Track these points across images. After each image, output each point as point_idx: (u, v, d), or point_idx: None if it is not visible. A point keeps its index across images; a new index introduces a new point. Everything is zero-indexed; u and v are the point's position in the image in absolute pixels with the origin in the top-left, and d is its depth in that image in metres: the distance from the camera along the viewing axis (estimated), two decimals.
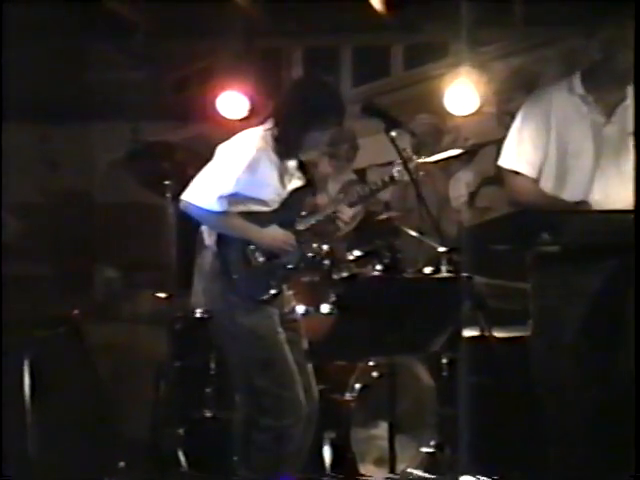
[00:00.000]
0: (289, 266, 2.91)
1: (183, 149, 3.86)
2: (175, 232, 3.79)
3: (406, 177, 2.82)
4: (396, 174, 2.87)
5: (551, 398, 2.95)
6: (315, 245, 3.55)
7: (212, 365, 3.70)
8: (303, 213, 2.96)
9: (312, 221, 2.93)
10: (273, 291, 2.85)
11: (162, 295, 3.83)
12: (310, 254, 3.01)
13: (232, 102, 5.12)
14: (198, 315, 3.75)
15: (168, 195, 3.74)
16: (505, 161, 3.13)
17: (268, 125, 2.90)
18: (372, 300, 2.99)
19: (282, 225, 2.89)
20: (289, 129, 2.84)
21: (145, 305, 5.11)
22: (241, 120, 5.22)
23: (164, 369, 3.83)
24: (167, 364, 3.76)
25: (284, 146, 2.87)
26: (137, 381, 4.13)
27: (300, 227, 2.91)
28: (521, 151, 3.07)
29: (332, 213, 2.93)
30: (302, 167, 3.01)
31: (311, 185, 3.01)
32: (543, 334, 3.01)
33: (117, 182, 5.74)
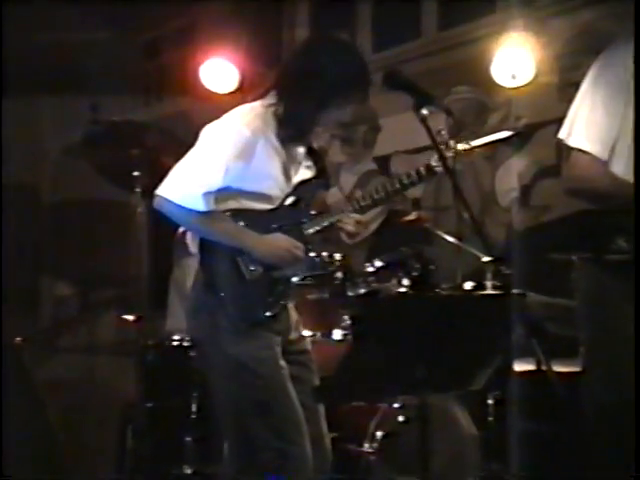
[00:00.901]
0: (293, 279, 2.93)
1: (156, 131, 3.90)
2: (146, 237, 3.83)
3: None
4: (435, 163, 2.87)
5: (609, 447, 2.94)
6: (325, 254, 3.58)
7: (194, 407, 3.73)
8: (312, 212, 2.97)
9: (324, 223, 2.95)
10: (269, 313, 2.87)
11: (130, 317, 3.87)
12: (317, 258, 3.00)
13: (219, 72, 5.18)
14: (176, 343, 3.80)
15: (137, 190, 3.79)
16: (567, 135, 3.04)
17: (269, 100, 2.86)
18: (396, 324, 3.00)
19: (285, 227, 2.90)
20: (298, 106, 2.81)
21: (108, 330, 5.15)
22: (230, 94, 5.27)
23: (133, 412, 3.87)
24: (136, 406, 3.80)
25: (291, 128, 2.84)
26: (98, 427, 4.17)
27: (309, 230, 2.94)
28: (590, 122, 2.97)
29: (350, 212, 2.93)
30: (312, 154, 3.01)
31: (323, 176, 3.02)
32: (596, 365, 3.01)
33: (72, 173, 5.79)
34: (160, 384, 3.86)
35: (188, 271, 2.98)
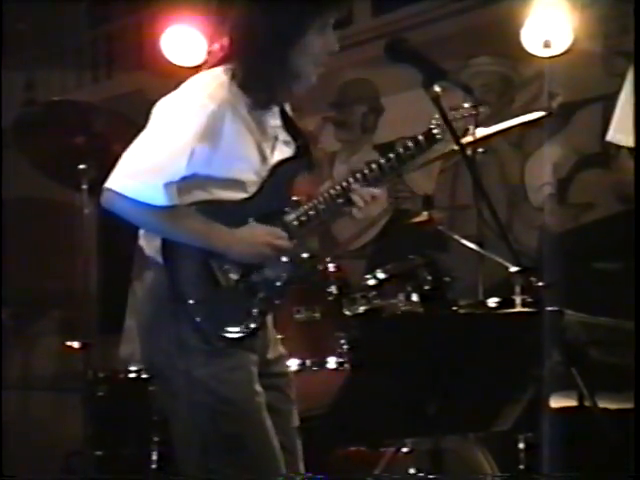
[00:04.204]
0: (277, 283, 2.95)
1: (106, 114, 3.92)
2: (96, 245, 3.84)
3: (451, 142, 2.83)
4: (436, 130, 2.90)
5: None
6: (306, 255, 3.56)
7: (154, 455, 3.75)
8: (295, 198, 2.98)
9: (309, 211, 2.96)
10: (253, 324, 2.90)
11: (75, 344, 3.88)
12: (303, 256, 3.01)
13: (183, 41, 5.20)
14: (133, 375, 3.82)
15: (84, 187, 3.81)
16: (614, 132, 3.19)
17: (231, 64, 2.89)
18: (404, 349, 3.02)
19: (264, 219, 2.91)
20: (262, 54, 2.83)
21: (47, 360, 5.14)
22: (197, 69, 5.27)
23: (78, 462, 3.88)
24: (83, 454, 3.81)
25: (260, 90, 2.86)
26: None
27: (291, 219, 2.95)
28: None
29: (338, 195, 2.93)
30: (288, 125, 3.02)
31: (305, 153, 3.03)
32: None
33: (3, 167, 5.80)
34: (112, 427, 3.87)
35: (147, 280, 2.98)
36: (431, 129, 2.89)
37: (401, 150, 2.93)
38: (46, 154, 3.90)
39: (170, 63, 5.18)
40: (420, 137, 2.91)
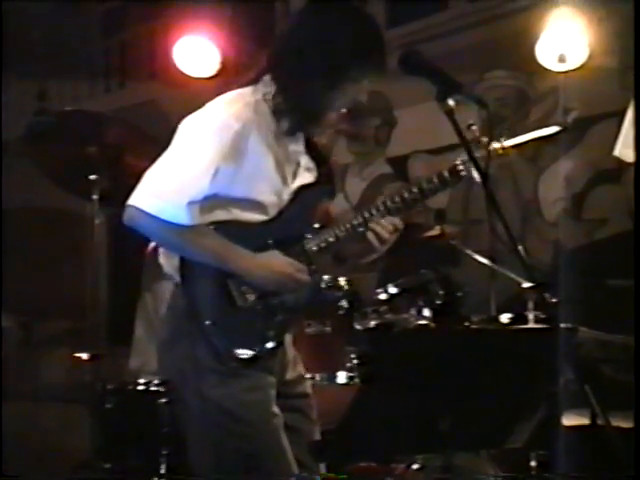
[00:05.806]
0: (295, 307, 2.95)
1: (118, 124, 3.92)
2: (106, 255, 3.84)
3: (472, 171, 2.85)
4: (462, 166, 2.91)
5: None
6: (327, 277, 3.60)
7: (163, 468, 3.75)
8: (316, 225, 3.00)
9: (329, 238, 2.98)
10: (269, 346, 2.91)
11: (84, 356, 3.88)
12: (323, 284, 3.02)
13: (196, 52, 5.22)
14: (142, 387, 3.82)
15: (95, 197, 3.82)
16: (622, 149, 3.20)
17: (262, 86, 2.90)
18: (415, 364, 3.01)
19: (284, 243, 2.94)
20: (305, 87, 2.85)
21: (56, 372, 5.14)
22: (209, 79, 5.30)
23: (86, 474, 3.87)
24: (91, 466, 3.81)
25: (295, 118, 2.89)
26: None
27: (312, 247, 2.97)
28: None
29: (359, 225, 2.96)
30: (312, 152, 3.04)
31: (327, 181, 3.06)
32: None
33: (13, 176, 5.83)
34: (121, 439, 3.86)
35: (162, 298, 2.99)
36: (456, 165, 2.90)
37: (425, 185, 2.94)
38: (57, 164, 3.91)
39: (183, 74, 5.19)
40: (445, 173, 2.92)
